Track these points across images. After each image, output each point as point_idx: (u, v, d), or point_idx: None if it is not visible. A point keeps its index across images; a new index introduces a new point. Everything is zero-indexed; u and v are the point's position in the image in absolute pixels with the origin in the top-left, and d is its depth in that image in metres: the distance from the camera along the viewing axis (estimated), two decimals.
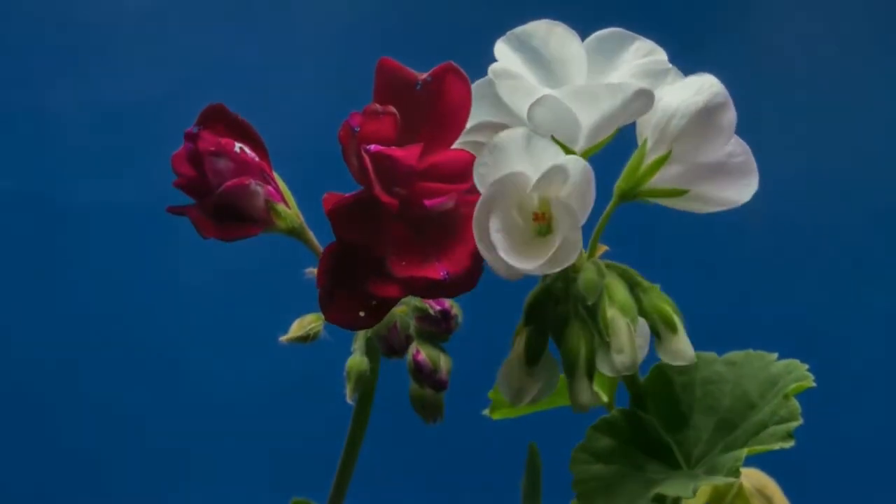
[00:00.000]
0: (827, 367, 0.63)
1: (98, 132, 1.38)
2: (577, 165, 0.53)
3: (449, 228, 0.55)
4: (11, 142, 1.39)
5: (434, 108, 0.56)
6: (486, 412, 0.72)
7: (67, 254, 1.38)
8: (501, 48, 0.56)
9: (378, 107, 0.55)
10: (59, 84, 1.39)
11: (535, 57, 0.56)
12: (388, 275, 0.54)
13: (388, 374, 0.65)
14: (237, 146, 0.58)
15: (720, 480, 0.56)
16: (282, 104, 1.19)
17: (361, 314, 0.54)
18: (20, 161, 1.39)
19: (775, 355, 0.62)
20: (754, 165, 0.57)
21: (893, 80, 1.39)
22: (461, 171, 0.55)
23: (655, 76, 0.55)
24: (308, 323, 0.61)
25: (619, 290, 0.56)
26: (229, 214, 0.58)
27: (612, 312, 0.56)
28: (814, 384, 0.59)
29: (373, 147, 0.54)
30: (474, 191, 0.54)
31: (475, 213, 0.53)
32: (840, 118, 1.37)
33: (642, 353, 0.57)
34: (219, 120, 0.59)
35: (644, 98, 0.54)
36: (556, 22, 0.56)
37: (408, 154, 0.54)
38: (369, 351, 0.62)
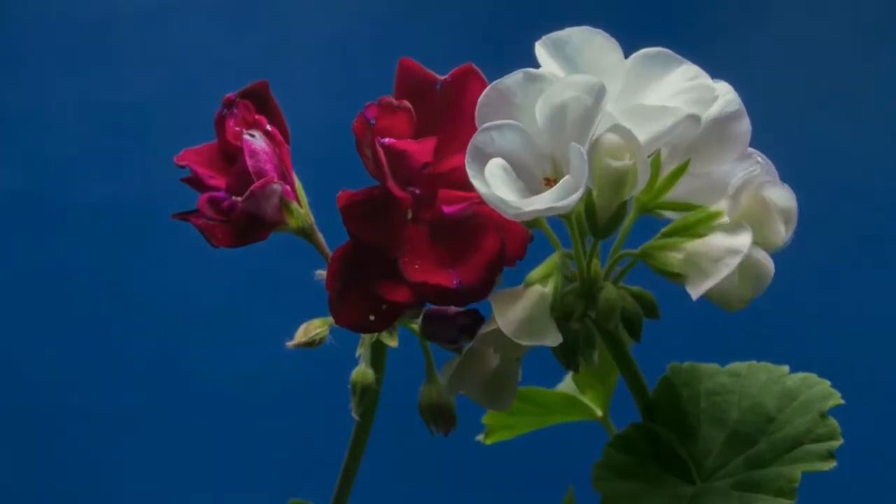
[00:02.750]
0: (825, 370, 0.62)
1: (98, 132, 1.37)
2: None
3: (465, 236, 0.54)
4: (11, 141, 1.38)
5: (453, 110, 0.55)
6: (479, 438, 0.72)
7: (67, 253, 1.37)
8: (539, 52, 0.55)
9: (393, 100, 0.54)
10: (59, 84, 1.38)
11: (569, 64, 0.54)
12: (400, 277, 0.53)
13: (391, 379, 0.64)
14: (268, 126, 0.58)
15: (771, 502, 0.55)
16: (283, 104, 1.18)
17: (371, 318, 0.53)
18: (20, 161, 1.38)
19: (786, 368, 0.61)
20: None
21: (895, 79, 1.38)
22: None
23: (705, 104, 0.54)
24: (314, 328, 0.60)
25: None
26: (250, 219, 0.57)
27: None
28: (842, 401, 0.58)
29: (387, 140, 0.53)
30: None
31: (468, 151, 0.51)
32: (841, 119, 1.36)
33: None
34: (256, 98, 0.59)
35: (692, 123, 0.52)
36: (596, 30, 0.54)
37: (422, 148, 0.54)
38: (374, 359, 0.61)
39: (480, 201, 0.53)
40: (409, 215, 0.54)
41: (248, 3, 1.42)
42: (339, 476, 0.67)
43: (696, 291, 0.52)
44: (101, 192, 1.36)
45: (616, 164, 0.51)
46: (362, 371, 0.61)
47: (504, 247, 0.53)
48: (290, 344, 0.60)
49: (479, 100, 0.53)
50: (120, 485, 1.35)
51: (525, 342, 0.52)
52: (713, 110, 0.54)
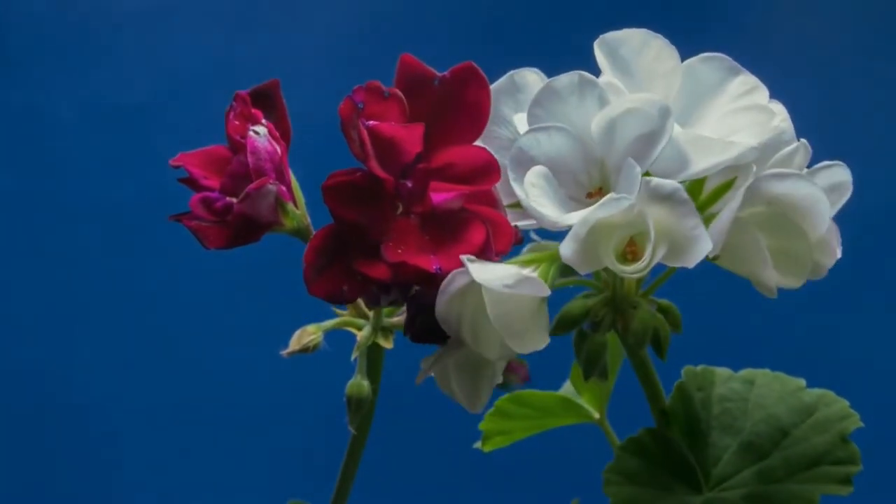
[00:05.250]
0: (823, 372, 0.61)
1: (98, 133, 1.37)
2: (643, 111, 0.49)
3: (452, 228, 0.53)
4: (12, 142, 1.38)
5: (451, 106, 0.54)
6: (477, 445, 0.70)
7: (67, 253, 1.36)
8: (596, 51, 0.53)
9: (381, 85, 0.53)
10: (60, 85, 1.38)
11: (623, 66, 0.52)
12: (381, 258, 0.52)
13: (392, 382, 0.62)
14: (264, 121, 0.57)
15: None
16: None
17: (344, 288, 0.53)
18: (20, 161, 1.38)
19: (802, 381, 0.60)
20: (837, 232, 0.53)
21: (892, 75, 1.35)
22: (476, 170, 0.53)
23: (763, 133, 0.51)
24: (308, 335, 0.59)
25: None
26: (245, 220, 0.56)
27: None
28: (861, 424, 0.57)
29: (371, 122, 0.52)
30: (483, 197, 0.53)
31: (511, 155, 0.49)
32: (839, 115, 1.33)
33: None
34: (265, 96, 0.58)
35: (753, 153, 0.51)
36: (655, 34, 0.53)
37: (409, 135, 0.53)
38: (370, 363, 0.60)
39: (471, 193, 0.52)
40: (400, 209, 0.53)
41: (248, 4, 1.41)
42: (338, 479, 0.65)
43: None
44: (103, 192, 1.35)
45: (626, 269, 0.49)
46: (357, 383, 0.60)
47: (489, 240, 0.52)
48: (284, 353, 0.59)
49: (534, 97, 0.51)
50: (120, 485, 1.34)
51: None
52: (766, 138, 0.52)
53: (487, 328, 0.50)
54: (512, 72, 0.55)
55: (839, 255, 0.52)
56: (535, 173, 0.49)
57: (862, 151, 1.32)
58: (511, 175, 0.50)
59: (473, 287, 0.50)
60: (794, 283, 0.51)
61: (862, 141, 1.34)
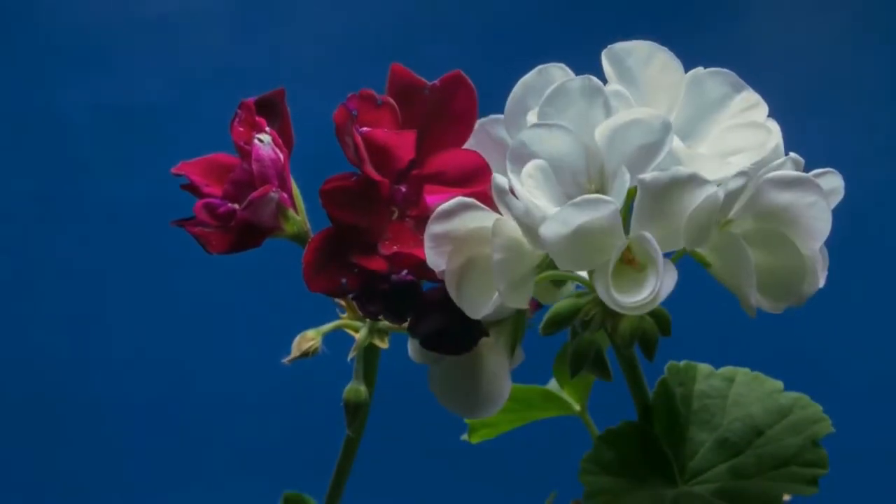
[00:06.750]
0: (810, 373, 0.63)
1: (110, 134, 1.37)
2: (647, 123, 0.49)
3: None
4: (24, 144, 1.38)
5: (441, 114, 0.56)
6: (464, 437, 0.71)
7: (78, 252, 1.37)
8: (603, 60, 0.54)
9: (374, 93, 0.54)
10: (71, 88, 1.38)
11: (628, 76, 0.53)
12: (377, 254, 0.53)
13: (388, 381, 0.63)
14: (268, 129, 0.57)
15: None
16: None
17: (344, 281, 0.54)
18: (33, 162, 1.38)
19: (780, 383, 0.60)
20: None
21: (887, 74, 1.36)
22: (468, 174, 0.54)
23: (764, 154, 0.52)
24: (308, 340, 0.60)
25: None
26: (247, 227, 0.57)
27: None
28: (833, 429, 0.57)
29: (365, 128, 0.53)
30: (476, 199, 0.53)
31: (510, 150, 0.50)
32: (834, 112, 1.34)
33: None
34: (269, 104, 0.58)
35: (749, 173, 0.51)
36: (661, 47, 0.53)
37: (402, 142, 0.54)
38: (367, 363, 0.61)
39: (464, 196, 0.53)
40: (396, 213, 0.54)
41: (256, 9, 1.41)
42: (332, 476, 0.67)
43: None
44: (114, 193, 1.36)
45: (626, 301, 0.49)
46: (355, 389, 0.60)
47: None
48: (286, 360, 0.59)
49: (546, 95, 0.51)
50: (122, 480, 1.35)
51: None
52: (762, 158, 0.52)
53: (476, 283, 0.52)
54: (540, 66, 0.55)
55: (822, 284, 0.52)
56: (533, 165, 0.50)
57: (849, 153, 1.33)
58: (509, 166, 0.50)
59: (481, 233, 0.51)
60: (775, 305, 0.52)
61: (848, 143, 1.35)
